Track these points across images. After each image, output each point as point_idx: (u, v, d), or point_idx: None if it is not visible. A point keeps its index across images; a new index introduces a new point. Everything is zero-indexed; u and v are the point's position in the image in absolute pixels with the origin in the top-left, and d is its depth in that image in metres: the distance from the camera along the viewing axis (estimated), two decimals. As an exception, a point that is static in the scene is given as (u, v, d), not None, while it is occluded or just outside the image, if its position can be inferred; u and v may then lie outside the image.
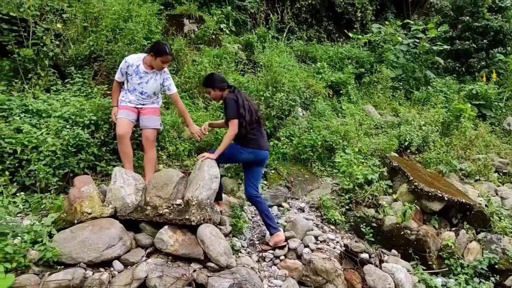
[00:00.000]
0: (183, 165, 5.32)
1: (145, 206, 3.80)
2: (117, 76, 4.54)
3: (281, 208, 5.15)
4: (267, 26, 9.78)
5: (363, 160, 5.77)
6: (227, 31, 8.59)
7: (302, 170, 6.07)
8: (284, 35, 9.63)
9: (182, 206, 3.80)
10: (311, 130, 6.50)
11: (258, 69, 7.86)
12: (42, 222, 3.49)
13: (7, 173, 4.14)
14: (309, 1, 10.78)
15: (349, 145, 6.24)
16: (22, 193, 3.87)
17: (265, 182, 5.59)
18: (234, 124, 3.98)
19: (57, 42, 5.89)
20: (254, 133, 4.11)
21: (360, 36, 10.20)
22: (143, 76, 4.42)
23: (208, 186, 3.90)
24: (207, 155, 4.09)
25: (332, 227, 4.96)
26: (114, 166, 4.60)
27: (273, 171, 5.80)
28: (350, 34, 10.57)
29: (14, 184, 4.21)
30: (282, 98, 6.30)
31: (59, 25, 5.98)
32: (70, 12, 6.34)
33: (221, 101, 4.47)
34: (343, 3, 10.97)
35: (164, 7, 7.90)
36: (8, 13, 5.61)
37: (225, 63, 7.30)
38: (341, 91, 8.36)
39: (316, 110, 7.28)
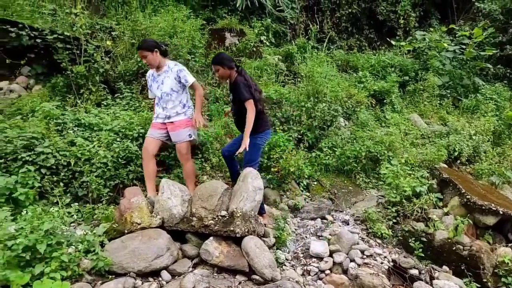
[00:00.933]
0: (226, 176, 5.37)
1: (191, 217, 3.86)
2: (149, 95, 4.80)
3: (325, 221, 5.06)
4: (307, 36, 9.78)
5: (410, 172, 5.56)
6: (267, 43, 8.67)
7: (345, 181, 5.95)
8: (325, 44, 9.58)
9: (227, 217, 3.83)
10: (355, 141, 6.38)
11: (299, 79, 7.85)
12: (94, 232, 3.63)
13: (61, 184, 4.35)
14: (350, 10, 10.70)
15: (395, 156, 6.05)
16: (76, 204, 4.05)
17: (308, 193, 5.53)
18: (251, 104, 4.01)
19: (107, 59, 6.18)
20: (263, 112, 4.24)
21: (403, 44, 9.93)
22: (157, 79, 4.54)
23: (252, 198, 3.91)
24: (245, 144, 3.99)
25: (379, 241, 4.80)
26: (161, 177, 4.74)
27: (315, 183, 5.73)
28: (393, 42, 10.33)
29: (68, 194, 4.42)
30: (324, 108, 6.24)
31: (108, 43, 6.29)
32: (119, 30, 6.65)
33: (227, 81, 4.44)
34: (385, 11, 10.78)
35: (207, 22, 8.12)
36: (63, 32, 5.97)
37: (266, 74, 7.36)
38: (384, 100, 8.15)
39: (359, 120, 7.14)
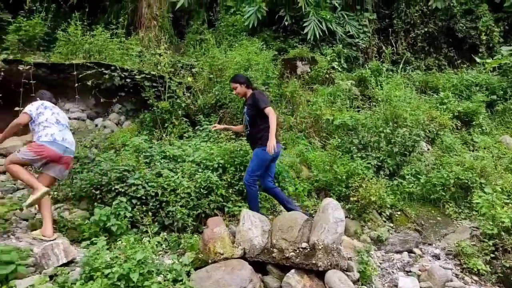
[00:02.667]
0: (303, 205, 5.30)
1: (271, 249, 3.85)
2: None
3: (413, 255, 4.71)
4: (381, 59, 9.54)
5: (507, 201, 5.01)
6: (339, 68, 8.60)
7: (433, 211, 5.53)
8: (400, 66, 9.24)
9: (308, 250, 3.75)
10: (440, 167, 5.95)
11: (374, 104, 7.62)
12: (181, 261, 3.76)
13: (150, 213, 4.63)
14: (425, 29, 10.26)
15: (488, 183, 5.51)
16: (165, 233, 4.26)
17: (391, 224, 5.23)
18: (272, 110, 4.20)
19: (188, 94, 6.60)
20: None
21: (489, 61, 9.21)
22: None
23: (334, 230, 3.79)
24: (269, 146, 4.04)
25: (475, 278, 4.34)
26: (240, 207, 4.83)
27: (399, 213, 5.41)
28: (478, 59, 9.63)
29: (156, 223, 4.67)
30: (405, 133, 5.94)
31: (189, 79, 6.72)
32: (198, 66, 7.09)
33: (243, 98, 4.70)
34: (464, 28, 10.16)
35: (278, 52, 8.32)
36: (149, 72, 6.52)
37: (339, 100, 7.27)
38: (471, 122, 7.55)
39: (443, 144, 6.67)
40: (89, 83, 6.22)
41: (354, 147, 5.95)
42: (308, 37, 8.48)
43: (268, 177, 4.49)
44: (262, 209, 4.85)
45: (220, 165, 5.09)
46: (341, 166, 5.43)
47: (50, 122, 4.40)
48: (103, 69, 6.36)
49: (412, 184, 5.67)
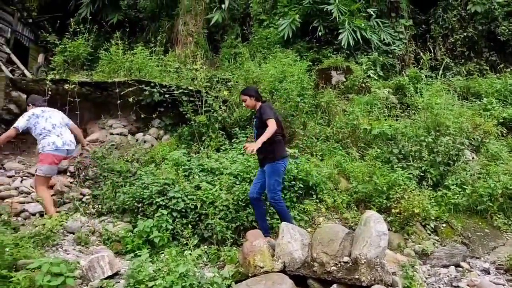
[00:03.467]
0: (342, 217, 5.21)
1: (312, 262, 3.79)
2: None
3: (460, 269, 4.48)
4: (418, 66, 9.29)
5: None
6: (375, 77, 8.45)
7: (480, 223, 5.26)
8: (440, 72, 8.94)
9: (350, 264, 3.66)
10: (487, 176, 5.65)
11: (413, 112, 7.40)
12: (221, 273, 3.78)
13: (190, 226, 4.70)
14: (465, 34, 9.91)
15: (540, 193, 5.18)
16: (205, 246, 4.31)
17: (436, 237, 5.02)
18: (272, 122, 4.21)
19: (224, 107, 6.70)
20: (281, 140, 4.44)
21: (536, 63, 8.75)
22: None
23: (376, 244, 3.68)
24: (252, 147, 4.05)
25: (531, 295, 4.06)
26: (278, 219, 4.80)
27: (444, 225, 5.18)
28: (524, 62, 9.17)
29: (195, 236, 4.73)
30: (448, 142, 5.72)
31: (225, 92, 6.83)
32: (233, 80, 7.19)
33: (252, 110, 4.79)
34: (507, 30, 9.71)
35: (312, 63, 8.30)
36: (187, 87, 6.68)
37: (376, 109, 7.12)
38: (518, 128, 7.17)
39: (489, 152, 6.36)
40: (130, 99, 6.46)
41: (394, 157, 5.79)
42: (342, 44, 8.41)
43: (257, 187, 4.50)
44: (301, 221, 4.80)
45: (258, 177, 5.10)
46: (381, 177, 5.29)
47: (48, 130, 4.99)
48: (143, 85, 6.58)
49: (458, 195, 5.42)
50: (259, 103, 4.62)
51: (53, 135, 4.99)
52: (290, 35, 8.61)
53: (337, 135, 6.58)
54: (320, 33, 8.84)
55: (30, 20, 12.86)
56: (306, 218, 4.94)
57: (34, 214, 4.97)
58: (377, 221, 3.82)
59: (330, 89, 7.51)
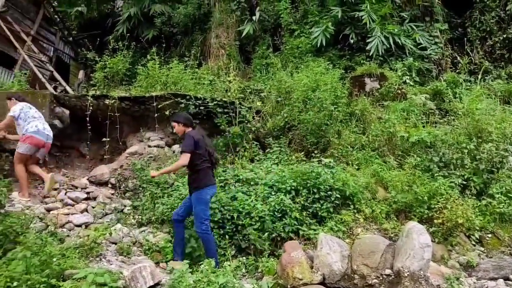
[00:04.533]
0: (381, 228, 5.07)
1: (352, 275, 3.72)
2: None
3: (510, 282, 4.25)
4: (456, 70, 8.99)
5: None
6: (411, 83, 8.24)
7: (530, 234, 4.98)
8: (479, 76, 8.62)
9: (393, 277, 3.57)
10: (534, 184, 5.36)
11: (452, 118, 7.15)
12: (260, 285, 3.78)
13: (227, 237, 4.73)
14: (504, 36, 9.51)
15: None
16: (244, 257, 4.32)
17: (482, 248, 4.79)
18: (183, 157, 4.32)
19: (258, 118, 6.75)
20: (206, 168, 4.42)
21: None
22: None
23: (420, 256, 3.58)
24: (152, 173, 4.63)
25: None
26: (315, 230, 4.75)
27: (490, 235, 4.94)
28: None
29: (233, 246, 4.75)
30: (491, 149, 5.48)
31: (258, 103, 6.89)
32: (266, 90, 7.24)
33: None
34: (550, 30, 9.25)
35: (345, 70, 8.23)
36: (221, 99, 6.79)
37: (413, 115, 6.93)
38: None
39: (536, 158, 6.02)
40: (167, 112, 6.63)
41: (434, 165, 5.60)
42: (371, 52, 8.29)
43: (205, 220, 4.30)
44: (339, 232, 4.72)
45: (293, 187, 5.09)
46: (422, 186, 5.13)
47: (34, 117, 5.62)
48: (179, 99, 6.75)
49: (503, 204, 5.16)
50: (188, 129, 4.61)
51: (37, 121, 5.61)
52: (324, 43, 8.58)
53: (373, 143, 6.45)
54: (352, 40, 8.75)
55: (71, 39, 13.55)
56: (344, 229, 4.85)
57: (78, 226, 5.17)
58: (420, 232, 3.72)
59: (364, 97, 7.40)
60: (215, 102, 6.70)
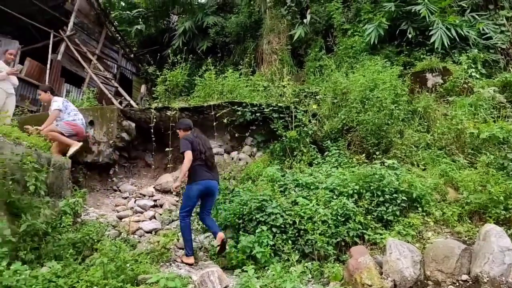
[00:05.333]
0: (454, 231, 4.76)
1: (425, 281, 3.54)
2: None
3: None
4: (528, 58, 8.27)
5: None
6: (477, 75, 7.71)
7: None
8: (556, 64, 7.85)
9: (470, 283, 3.35)
10: None
11: (528, 110, 6.57)
12: (327, 291, 3.72)
13: (290, 241, 4.72)
14: None
15: None
16: (310, 263, 4.28)
17: None
18: (187, 155, 4.73)
19: (314, 121, 6.68)
20: (197, 166, 4.81)
21: None
22: None
23: (500, 260, 3.32)
24: (174, 185, 5.00)
25: None
26: (381, 235, 4.59)
27: None
28: None
29: (296, 251, 4.73)
30: None
31: (314, 106, 6.82)
32: (321, 93, 7.16)
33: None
34: None
35: (404, 67, 7.89)
36: (276, 104, 6.83)
37: (482, 110, 6.47)
38: None
39: None
40: (225, 120, 6.80)
41: (509, 163, 5.17)
42: (436, 46, 7.87)
43: (203, 211, 4.94)
44: (407, 236, 4.50)
45: (355, 191, 4.97)
46: (496, 186, 4.76)
47: (76, 110, 6.13)
48: (235, 106, 6.90)
49: None
50: (187, 133, 5.10)
51: (79, 115, 6.15)
52: (377, 39, 8.31)
53: (439, 142, 6.11)
54: (410, 35, 8.39)
55: (132, 55, 14.40)
56: (413, 233, 4.61)
57: (148, 232, 5.44)
58: (499, 235, 3.45)
59: (426, 93, 7.04)
60: (270, 108, 6.75)
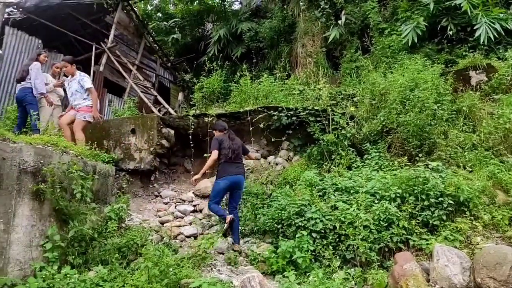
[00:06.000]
0: (505, 236, 4.50)
1: (477, 289, 3.36)
2: None
3: None
4: None
5: None
6: (526, 70, 7.27)
7: None
8: None
9: (527, 292, 3.14)
10: None
11: None
12: (373, 298, 3.62)
13: (330, 247, 4.65)
14: None
15: None
16: (352, 269, 4.20)
17: None
18: (213, 153, 5.41)
19: (352, 123, 6.55)
20: (222, 163, 5.42)
21: None
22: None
23: (561, 268, 3.09)
24: (194, 179, 5.55)
25: None
26: (427, 240, 4.42)
27: None
28: None
29: (337, 257, 4.65)
30: None
31: (352, 108, 6.70)
32: (359, 94, 7.02)
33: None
34: None
35: (445, 65, 7.60)
36: (313, 107, 6.77)
37: (537, 108, 6.09)
38: None
39: None
40: (261, 125, 6.82)
41: None
42: (481, 41, 7.50)
43: (232, 203, 5.48)
44: (455, 242, 4.30)
45: (398, 195, 4.82)
46: (553, 188, 4.47)
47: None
48: (271, 111, 6.91)
49: None
50: (220, 133, 5.68)
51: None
52: (415, 39, 8.06)
53: (486, 142, 5.81)
54: (450, 32, 8.06)
55: (169, 64, 14.80)
56: (461, 238, 4.41)
57: (188, 237, 5.54)
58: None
59: (470, 92, 6.73)
60: (306, 111, 6.70)
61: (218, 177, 5.44)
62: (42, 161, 4.23)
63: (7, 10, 10.28)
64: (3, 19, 9.82)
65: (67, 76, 6.76)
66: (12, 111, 7.72)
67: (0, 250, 3.71)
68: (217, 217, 5.79)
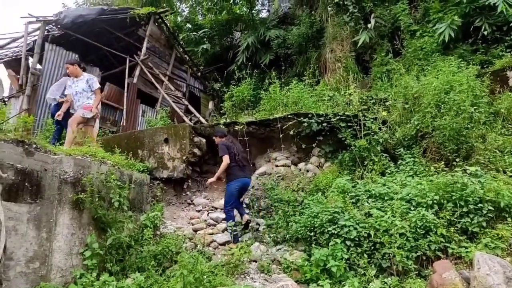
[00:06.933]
0: (552, 245, 4.28)
1: (523, 300, 3.20)
2: None
3: None
4: None
5: None
6: None
7: None
8: None
9: None
10: None
11: None
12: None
13: (365, 255, 4.56)
14: None
15: None
16: (386, 277, 4.10)
17: None
18: (224, 159, 5.78)
19: (384, 128, 6.43)
20: (233, 167, 5.80)
21: None
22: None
23: None
24: (209, 181, 5.97)
25: None
26: (466, 248, 4.26)
27: None
28: None
29: (372, 266, 4.55)
30: None
31: (384, 113, 6.58)
32: (391, 98, 6.88)
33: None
34: None
35: (481, 66, 7.33)
36: (343, 113, 6.70)
37: None
38: None
39: None
40: (291, 132, 6.82)
41: None
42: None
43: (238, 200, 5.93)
44: (496, 249, 4.13)
45: (435, 201, 4.67)
46: None
47: None
48: (301, 118, 6.89)
49: None
50: (223, 139, 6.06)
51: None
52: (453, 35, 7.82)
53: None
54: (485, 32, 7.79)
55: (199, 74, 15.09)
56: (503, 246, 4.21)
57: (221, 244, 5.60)
58: None
59: (509, 93, 6.46)
60: (337, 117, 6.63)
61: (229, 180, 5.85)
62: (81, 172, 4.42)
63: (46, 27, 10.85)
64: (43, 36, 10.37)
65: (69, 76, 6.81)
66: (51, 124, 8.08)
67: (43, 257, 3.89)
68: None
